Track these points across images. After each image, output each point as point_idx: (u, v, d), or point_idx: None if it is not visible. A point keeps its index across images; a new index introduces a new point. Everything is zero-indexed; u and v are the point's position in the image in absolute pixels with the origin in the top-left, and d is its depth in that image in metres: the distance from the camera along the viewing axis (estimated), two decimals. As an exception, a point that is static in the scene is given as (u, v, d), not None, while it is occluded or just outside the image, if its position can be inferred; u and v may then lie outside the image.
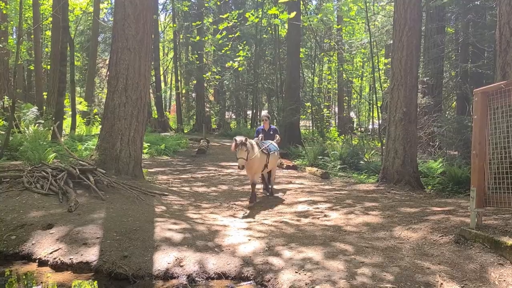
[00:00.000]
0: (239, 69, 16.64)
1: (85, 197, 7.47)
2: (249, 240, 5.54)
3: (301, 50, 22.06)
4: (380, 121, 15.34)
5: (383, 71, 19.62)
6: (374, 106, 19.89)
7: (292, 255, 5.00)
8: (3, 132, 13.42)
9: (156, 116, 30.82)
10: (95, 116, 22.55)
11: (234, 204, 7.80)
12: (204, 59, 30.69)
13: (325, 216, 6.81)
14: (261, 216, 6.84)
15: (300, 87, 20.92)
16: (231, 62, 15.46)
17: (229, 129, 28.44)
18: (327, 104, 30.43)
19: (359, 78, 28.25)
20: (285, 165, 13.30)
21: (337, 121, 28.75)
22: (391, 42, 11.07)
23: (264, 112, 9.86)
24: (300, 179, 11.07)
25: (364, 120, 29.30)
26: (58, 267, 5.09)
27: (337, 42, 21.56)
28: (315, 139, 18.70)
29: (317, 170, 12.03)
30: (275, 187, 9.38)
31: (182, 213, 6.98)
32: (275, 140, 8.89)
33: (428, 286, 4.06)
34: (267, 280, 4.58)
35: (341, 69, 23.24)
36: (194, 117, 32.46)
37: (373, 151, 13.80)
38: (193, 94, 34.20)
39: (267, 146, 8.08)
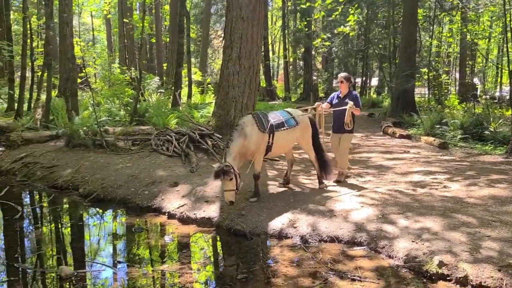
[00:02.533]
0: (350, 34, 15.99)
1: (204, 160, 8.06)
2: (362, 206, 5.48)
3: (418, 11, 20.39)
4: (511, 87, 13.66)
5: (516, 30, 17.27)
6: (504, 70, 17.78)
7: (408, 224, 4.84)
8: (131, 100, 14.93)
9: (264, 85, 31.43)
10: (208, 86, 23.77)
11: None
12: (313, 26, 30.10)
13: (444, 187, 6.40)
14: (374, 184, 6.69)
15: (416, 52, 19.48)
16: (341, 27, 14.94)
17: (337, 98, 27.84)
18: (446, 69, 27.94)
19: (486, 40, 25.31)
20: (398, 134, 12.70)
21: (457, 87, 26.29)
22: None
23: (342, 74, 7.16)
24: (414, 149, 10.50)
25: (490, 87, 26.34)
26: (184, 220, 5.64)
27: (461, 0, 19.45)
28: (431, 107, 17.42)
29: (434, 140, 11.26)
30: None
31: (293, 178, 7.14)
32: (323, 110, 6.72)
33: None
34: (381, 247, 4.53)
35: (464, 30, 20.98)
36: (301, 86, 32.41)
37: (500, 121, 12.42)
38: (301, 63, 34.01)
39: (274, 121, 5.86)
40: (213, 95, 22.08)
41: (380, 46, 24.84)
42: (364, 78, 30.87)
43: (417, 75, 20.00)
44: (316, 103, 6.92)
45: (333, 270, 4.17)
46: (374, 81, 35.33)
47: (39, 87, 15.75)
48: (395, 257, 4.32)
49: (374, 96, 29.71)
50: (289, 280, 3.99)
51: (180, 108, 13.53)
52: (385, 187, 6.48)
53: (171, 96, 15.66)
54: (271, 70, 37.33)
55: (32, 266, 4.41)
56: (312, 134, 6.51)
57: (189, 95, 18.69)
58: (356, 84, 33.02)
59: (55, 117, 11.31)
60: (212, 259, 4.66)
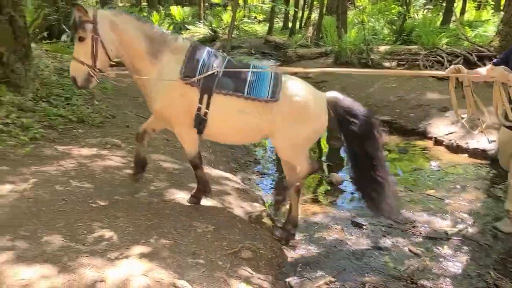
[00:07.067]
0: None
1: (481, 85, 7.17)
2: None
3: None
4: None
5: None
6: None
7: None
8: (397, 18, 14.27)
9: None
10: (488, 0, 20.35)
11: None
12: None
13: None
14: None
15: None
16: None
17: None
18: None
19: None
20: None
21: None
22: None
23: None
24: None
25: None
26: (452, 148, 5.31)
27: None
28: None
29: None
30: None
31: None
32: None
33: None
34: None
35: None
36: None
37: None
38: None
39: (220, 71, 2.91)
40: (492, 11, 18.89)
41: None
42: None
43: None
44: (452, 66, 3.22)
45: None
46: None
47: (310, 6, 16.82)
48: None
49: None
50: None
51: (451, 25, 12.18)
52: None
53: (440, 13, 14.20)
54: None
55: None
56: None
57: (462, 11, 16.50)
58: None
59: (324, 35, 11.96)
60: (483, 194, 4.25)
